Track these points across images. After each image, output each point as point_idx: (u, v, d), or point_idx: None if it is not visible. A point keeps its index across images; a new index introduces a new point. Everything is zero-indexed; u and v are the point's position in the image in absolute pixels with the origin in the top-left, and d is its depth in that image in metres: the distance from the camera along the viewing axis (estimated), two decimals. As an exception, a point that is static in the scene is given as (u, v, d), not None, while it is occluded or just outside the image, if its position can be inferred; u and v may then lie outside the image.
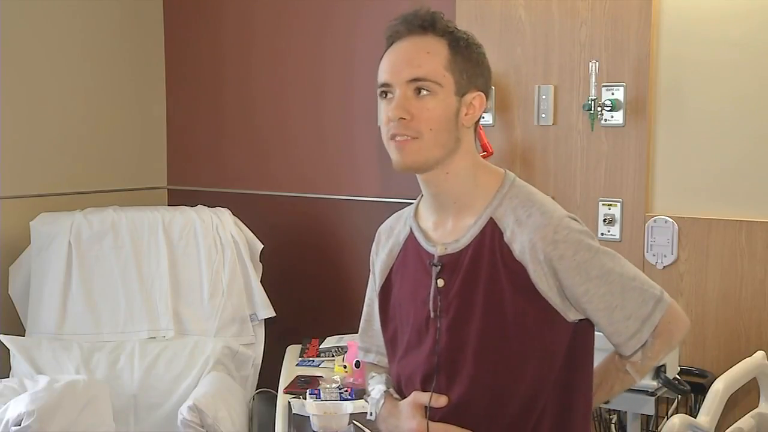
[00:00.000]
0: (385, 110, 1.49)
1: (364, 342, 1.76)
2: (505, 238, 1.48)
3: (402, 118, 1.45)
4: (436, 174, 1.51)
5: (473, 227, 1.51)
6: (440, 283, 1.52)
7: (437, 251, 1.54)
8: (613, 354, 1.58)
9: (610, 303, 1.48)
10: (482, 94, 1.53)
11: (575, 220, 1.51)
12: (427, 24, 1.49)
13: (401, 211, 1.69)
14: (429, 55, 1.47)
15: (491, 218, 1.51)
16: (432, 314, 1.53)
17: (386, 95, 1.49)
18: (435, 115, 1.46)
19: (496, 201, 1.52)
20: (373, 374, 1.70)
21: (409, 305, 1.59)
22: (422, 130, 1.46)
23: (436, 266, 1.53)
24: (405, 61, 1.48)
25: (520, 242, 1.47)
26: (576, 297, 1.47)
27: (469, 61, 1.50)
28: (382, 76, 1.50)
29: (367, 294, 1.75)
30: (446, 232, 1.55)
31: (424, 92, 1.46)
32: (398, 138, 1.47)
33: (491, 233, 1.50)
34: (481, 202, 1.53)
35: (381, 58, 1.52)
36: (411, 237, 1.61)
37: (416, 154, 1.47)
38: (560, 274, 1.46)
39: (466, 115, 1.51)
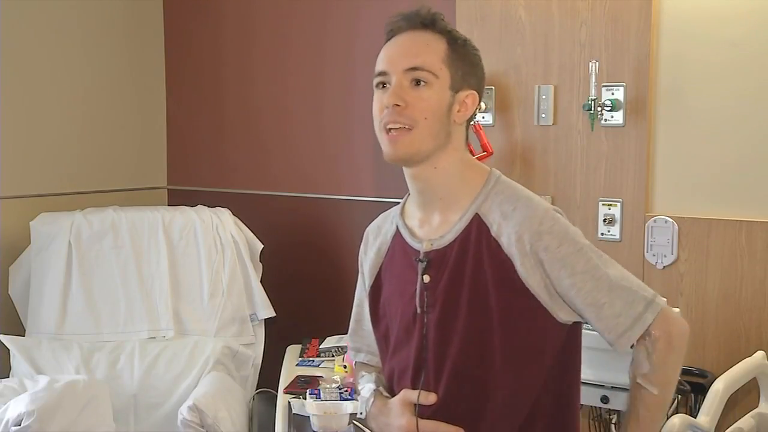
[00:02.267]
0: (379, 99, 1.52)
1: (355, 342, 1.77)
2: (493, 233, 1.50)
3: (397, 104, 1.48)
4: (424, 168, 1.53)
5: (459, 223, 1.53)
6: (426, 278, 1.54)
7: (423, 247, 1.55)
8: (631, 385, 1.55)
9: (597, 299, 1.48)
10: (475, 93, 1.55)
11: (560, 214, 1.53)
12: (427, 22, 1.52)
13: (388, 210, 1.71)
14: (428, 47, 1.50)
15: (477, 214, 1.53)
16: (419, 310, 1.54)
17: (383, 85, 1.52)
18: (430, 105, 1.49)
19: (482, 197, 1.54)
20: (363, 373, 1.72)
21: (397, 302, 1.60)
22: (417, 119, 1.48)
23: (422, 262, 1.54)
24: (403, 51, 1.51)
25: (507, 235, 1.49)
26: (564, 291, 1.48)
27: (464, 59, 1.53)
28: (380, 65, 1.53)
29: (356, 294, 1.76)
30: (432, 229, 1.57)
31: (421, 83, 1.48)
32: (391, 126, 1.49)
33: (477, 228, 1.51)
34: (466, 198, 1.54)
35: (379, 52, 1.55)
36: (398, 235, 1.63)
37: (408, 146, 1.49)
38: (546, 266, 1.47)
39: (458, 111, 1.53)
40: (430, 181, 1.54)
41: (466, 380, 1.50)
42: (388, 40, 1.55)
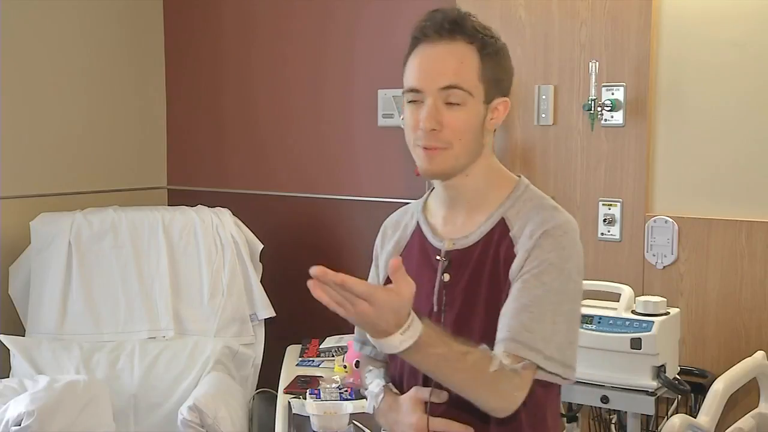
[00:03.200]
0: (412, 116, 1.48)
1: (361, 335, 1.75)
2: (512, 234, 1.50)
3: (433, 129, 1.45)
4: (458, 178, 1.52)
5: (484, 225, 1.53)
6: (446, 277, 1.53)
7: (445, 246, 1.55)
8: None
9: (529, 304, 1.42)
10: (507, 99, 1.53)
11: (578, 241, 1.50)
12: (456, 27, 1.47)
13: (407, 205, 1.70)
14: (462, 65, 1.46)
15: (502, 218, 1.52)
16: (436, 308, 1.54)
17: (414, 101, 1.48)
18: (465, 126, 1.46)
19: (510, 202, 1.53)
20: (371, 368, 1.70)
21: None
22: (452, 141, 1.46)
23: (443, 261, 1.54)
24: (437, 69, 1.46)
25: (524, 235, 1.48)
26: (514, 282, 1.45)
27: (498, 67, 1.50)
28: (412, 81, 1.48)
29: None
30: (456, 228, 1.56)
31: (455, 104, 1.45)
32: (426, 147, 1.47)
33: (500, 231, 1.51)
34: (493, 201, 1.54)
35: (406, 58, 1.51)
36: (418, 230, 1.62)
37: (444, 164, 1.48)
38: (526, 261, 1.45)
39: (491, 120, 1.51)
40: (462, 187, 1.54)
41: None
42: (414, 47, 1.50)
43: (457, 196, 1.56)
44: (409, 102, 1.49)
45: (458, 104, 1.45)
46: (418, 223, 1.63)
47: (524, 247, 1.47)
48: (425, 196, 1.66)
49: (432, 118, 1.45)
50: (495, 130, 1.58)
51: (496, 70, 1.50)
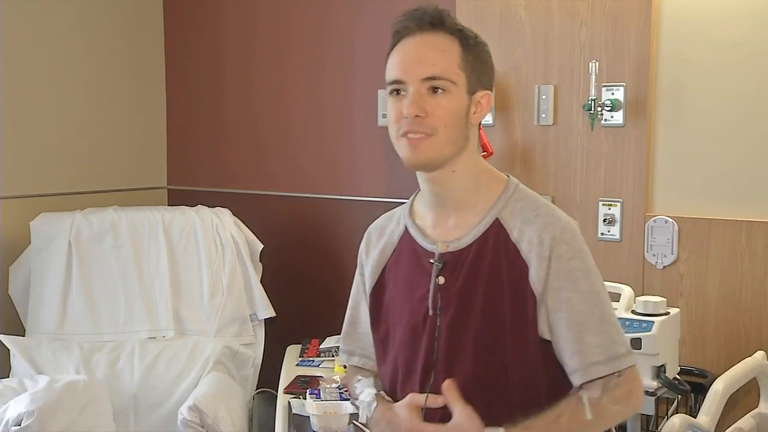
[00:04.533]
0: (395, 107, 1.49)
1: (348, 345, 1.74)
2: (513, 238, 1.49)
3: (417, 115, 1.45)
4: (442, 172, 1.51)
5: (478, 226, 1.52)
6: (441, 280, 1.52)
7: (438, 249, 1.54)
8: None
9: (585, 322, 1.46)
10: (490, 92, 1.54)
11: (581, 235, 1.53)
12: (437, 21, 1.49)
13: (392, 210, 1.69)
14: (443, 53, 1.47)
15: (497, 219, 1.51)
16: (431, 312, 1.53)
17: (398, 92, 1.49)
18: (449, 112, 1.47)
19: (502, 202, 1.53)
20: (360, 377, 1.69)
21: (403, 304, 1.58)
22: (437, 127, 1.46)
23: (437, 264, 1.53)
24: (419, 58, 1.47)
25: (528, 240, 1.48)
26: (556, 304, 1.46)
27: (478, 59, 1.51)
28: (394, 72, 1.49)
29: (351, 295, 1.73)
30: (447, 230, 1.55)
31: (440, 91, 1.46)
32: (411, 135, 1.47)
33: (496, 233, 1.50)
34: (484, 202, 1.53)
35: (388, 54, 1.52)
36: (406, 235, 1.61)
37: (429, 152, 1.47)
38: (551, 274, 1.46)
39: (474, 113, 1.52)
40: (448, 184, 1.53)
41: (476, 384, 1.48)
42: (396, 42, 1.51)
43: (444, 194, 1.55)
44: (392, 95, 1.50)
45: (442, 91, 1.46)
46: (405, 228, 1.61)
47: (539, 256, 1.46)
48: (410, 200, 1.64)
49: (416, 104, 1.45)
50: (480, 128, 1.59)
51: (478, 62, 1.51)
